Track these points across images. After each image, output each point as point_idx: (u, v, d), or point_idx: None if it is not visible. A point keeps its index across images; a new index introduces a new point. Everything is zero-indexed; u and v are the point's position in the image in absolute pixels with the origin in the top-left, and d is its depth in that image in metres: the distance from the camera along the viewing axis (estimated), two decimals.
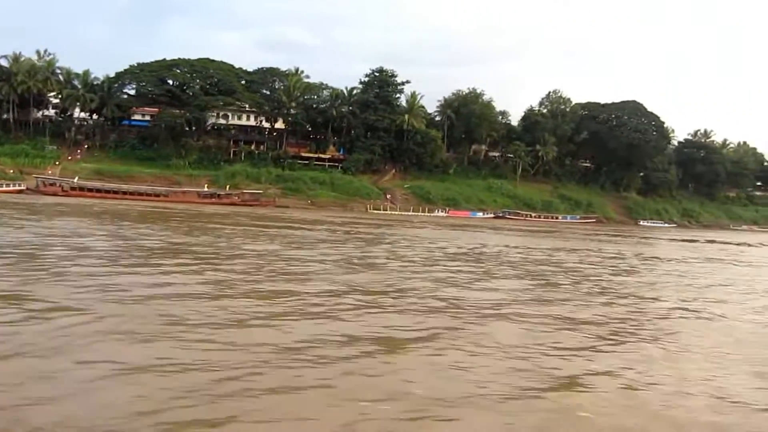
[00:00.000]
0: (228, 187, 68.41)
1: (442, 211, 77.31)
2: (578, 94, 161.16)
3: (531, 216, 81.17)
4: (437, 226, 47.36)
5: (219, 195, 64.04)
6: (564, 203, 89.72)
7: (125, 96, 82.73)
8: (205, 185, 67.06)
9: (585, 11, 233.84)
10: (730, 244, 46.15)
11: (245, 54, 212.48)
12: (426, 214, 75.00)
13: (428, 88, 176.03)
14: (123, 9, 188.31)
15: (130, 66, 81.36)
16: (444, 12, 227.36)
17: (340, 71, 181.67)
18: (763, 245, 46.95)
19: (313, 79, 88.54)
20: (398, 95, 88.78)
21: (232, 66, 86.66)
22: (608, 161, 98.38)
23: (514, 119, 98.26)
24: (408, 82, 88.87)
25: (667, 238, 52.11)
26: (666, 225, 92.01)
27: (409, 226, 43.99)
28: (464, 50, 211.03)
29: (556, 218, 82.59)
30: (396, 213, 73.54)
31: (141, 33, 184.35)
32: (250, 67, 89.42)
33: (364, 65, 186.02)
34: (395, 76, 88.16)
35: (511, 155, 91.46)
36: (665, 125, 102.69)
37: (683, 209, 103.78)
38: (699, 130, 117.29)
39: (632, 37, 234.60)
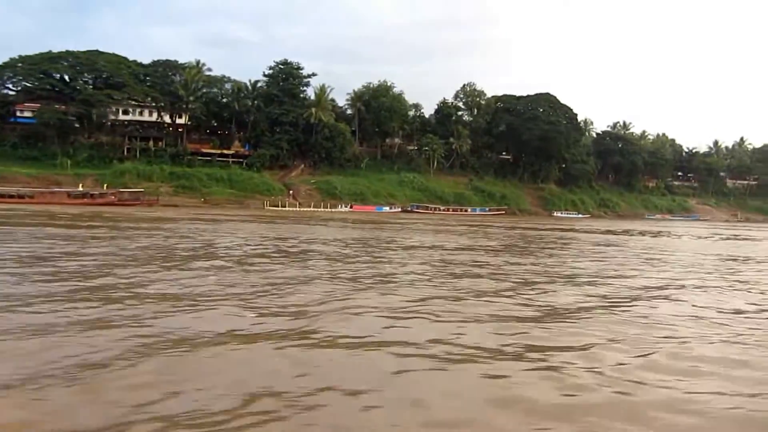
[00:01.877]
0: (106, 186, 64.00)
1: (345, 206, 74.56)
2: (509, 89, 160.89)
3: (440, 209, 79.14)
4: (303, 222, 44.33)
5: (92, 195, 59.49)
6: (478, 195, 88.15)
7: (5, 91, 77.08)
8: (80, 185, 62.51)
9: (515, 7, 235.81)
10: (615, 233, 44.61)
11: (184, 51, 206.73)
12: (328, 209, 72.16)
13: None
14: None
15: (10, 59, 75.74)
16: (385, 8, 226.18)
17: None
18: (641, 234, 45.67)
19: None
20: (304, 88, 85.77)
21: (125, 59, 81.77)
22: (525, 153, 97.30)
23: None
24: (314, 74, 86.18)
25: (548, 227, 50.37)
26: (580, 216, 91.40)
27: (251, 221, 40.82)
28: (405, 46, 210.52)
29: (466, 211, 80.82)
30: (295, 209, 70.50)
31: (69, 27, 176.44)
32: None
33: (310, 62, 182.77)
34: (301, 69, 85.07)
35: (426, 148, 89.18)
36: (579, 117, 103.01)
37: (601, 199, 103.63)
38: (618, 122, 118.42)
39: (561, 31, 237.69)
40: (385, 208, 76.00)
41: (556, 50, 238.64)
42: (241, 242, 22.06)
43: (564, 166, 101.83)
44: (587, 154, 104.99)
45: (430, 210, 77.94)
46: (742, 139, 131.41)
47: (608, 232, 44.93)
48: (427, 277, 13.83)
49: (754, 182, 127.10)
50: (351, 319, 8.92)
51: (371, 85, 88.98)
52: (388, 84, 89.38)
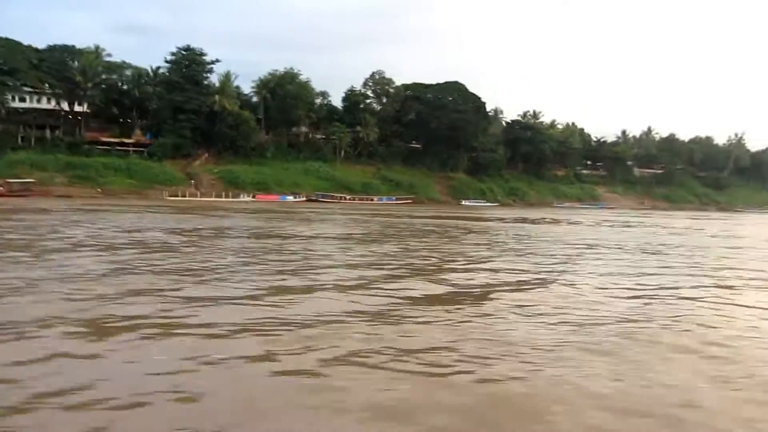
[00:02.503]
0: None
1: (248, 196, 73.86)
2: (429, 78, 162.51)
3: (345, 198, 79.34)
4: (188, 212, 43.69)
5: None
6: (385, 185, 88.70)
7: None
8: None
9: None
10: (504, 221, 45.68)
11: (98, 38, 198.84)
12: (229, 199, 71.37)
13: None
14: None
15: None
16: None
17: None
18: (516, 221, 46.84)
19: None
20: (208, 75, 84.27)
21: (19, 43, 78.44)
22: (434, 142, 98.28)
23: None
24: (218, 61, 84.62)
25: (430, 215, 51.24)
26: (488, 204, 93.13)
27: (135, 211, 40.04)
28: (328, 34, 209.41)
29: (372, 200, 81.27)
30: (196, 199, 69.46)
31: None
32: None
33: (230, 50, 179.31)
34: (204, 55, 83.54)
35: (333, 137, 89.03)
36: (490, 106, 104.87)
37: (510, 188, 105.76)
38: (528, 111, 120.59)
39: (479, 22, 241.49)
40: (289, 197, 75.64)
41: (473, 40, 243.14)
42: (86, 232, 21.72)
43: (474, 155, 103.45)
44: (497, 143, 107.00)
45: (336, 199, 78.00)
46: (649, 128, 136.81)
47: (499, 219, 46.05)
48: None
49: (660, 171, 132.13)
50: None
51: (277, 72, 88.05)
52: (295, 71, 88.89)
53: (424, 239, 23.57)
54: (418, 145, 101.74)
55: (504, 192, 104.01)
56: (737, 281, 14.07)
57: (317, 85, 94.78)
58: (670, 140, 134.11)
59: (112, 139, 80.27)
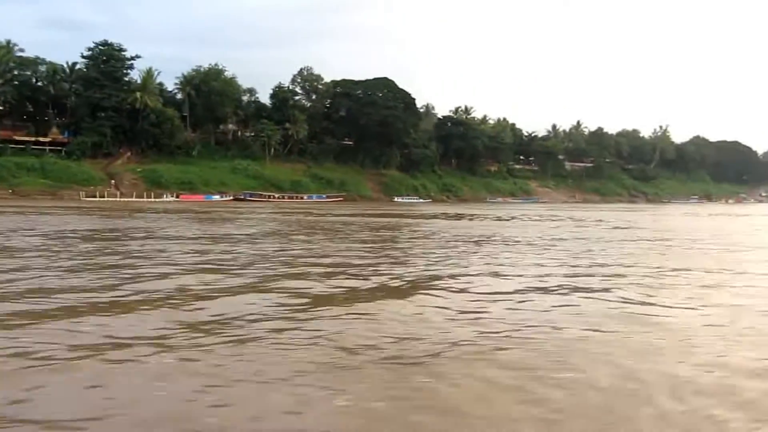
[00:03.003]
0: None
1: (171, 196, 71.65)
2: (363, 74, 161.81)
3: (274, 197, 77.88)
4: (97, 213, 41.57)
5: None
6: (315, 183, 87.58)
7: None
8: None
9: None
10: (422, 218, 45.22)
11: (27, 32, 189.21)
12: (152, 199, 69.06)
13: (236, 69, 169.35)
14: None
15: None
16: None
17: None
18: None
19: None
20: (128, 71, 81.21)
21: None
22: (366, 139, 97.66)
23: None
24: (138, 56, 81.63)
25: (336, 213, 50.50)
26: (421, 201, 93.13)
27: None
28: (264, 30, 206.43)
29: (301, 198, 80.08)
30: (115, 200, 66.93)
31: None
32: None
33: (169, 48, 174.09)
34: (123, 50, 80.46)
35: (261, 134, 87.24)
36: (419, 102, 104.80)
37: (443, 184, 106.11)
38: (460, 107, 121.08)
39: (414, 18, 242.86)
40: (215, 196, 73.71)
41: (405, 37, 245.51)
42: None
43: (406, 151, 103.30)
44: (429, 139, 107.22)
45: (264, 198, 76.48)
46: (578, 122, 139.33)
47: (421, 216, 45.53)
48: None
49: (590, 164, 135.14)
50: None
51: (202, 69, 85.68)
52: (220, 67, 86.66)
53: (311, 237, 22.74)
54: (350, 142, 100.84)
55: (437, 188, 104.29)
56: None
57: (249, 83, 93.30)
58: (599, 134, 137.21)
59: (27, 138, 76.53)
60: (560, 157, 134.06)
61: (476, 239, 22.77)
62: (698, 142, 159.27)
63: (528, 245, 20.35)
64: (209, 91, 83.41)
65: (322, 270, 12.79)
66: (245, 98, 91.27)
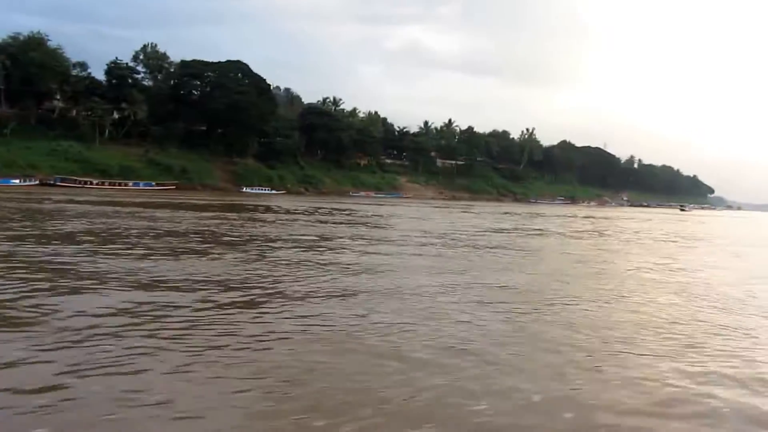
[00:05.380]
0: None
1: None
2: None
3: (92, 183, 69.41)
4: None
5: None
6: (152, 168, 79.72)
7: None
8: None
9: None
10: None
11: None
12: None
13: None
14: None
15: None
16: None
17: None
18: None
19: None
20: None
21: None
22: (218, 125, 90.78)
23: None
24: None
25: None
26: (273, 192, 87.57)
27: None
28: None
29: (126, 185, 72.18)
30: None
31: None
32: None
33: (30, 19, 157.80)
34: None
35: (90, 113, 78.44)
36: (291, 91, 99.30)
37: (304, 176, 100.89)
38: (328, 98, 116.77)
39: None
40: (14, 181, 64.33)
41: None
42: None
43: (267, 140, 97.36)
44: (291, 129, 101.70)
45: (80, 184, 67.90)
46: (450, 120, 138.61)
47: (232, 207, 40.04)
48: None
49: (461, 162, 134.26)
50: None
51: (20, 37, 75.75)
52: (42, 36, 76.94)
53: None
54: (202, 128, 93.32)
55: (297, 179, 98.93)
56: None
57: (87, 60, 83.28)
58: (469, 132, 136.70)
59: None
60: (432, 154, 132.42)
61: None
62: (565, 146, 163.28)
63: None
64: (28, 62, 73.69)
65: None
66: (75, 73, 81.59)
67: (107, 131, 79.81)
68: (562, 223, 43.79)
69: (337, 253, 16.43)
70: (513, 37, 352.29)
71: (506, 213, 59.14)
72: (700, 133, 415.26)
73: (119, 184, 71.70)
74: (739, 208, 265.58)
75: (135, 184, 73.12)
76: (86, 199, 41.05)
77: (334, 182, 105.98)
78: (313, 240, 19.94)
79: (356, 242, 19.97)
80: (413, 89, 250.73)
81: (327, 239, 20.47)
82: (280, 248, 16.91)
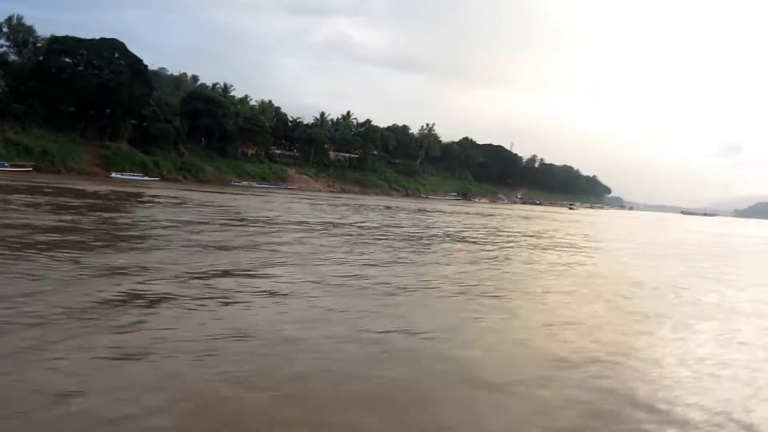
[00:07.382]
0: None
1: None
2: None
3: None
4: None
5: None
6: (8, 149, 75.29)
7: None
8: None
9: None
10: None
11: None
12: None
13: None
14: None
15: None
16: None
17: None
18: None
19: None
20: None
21: None
22: (88, 106, 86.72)
23: None
24: None
25: None
26: (146, 179, 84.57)
27: None
28: None
29: None
30: None
31: None
32: None
33: None
34: None
35: None
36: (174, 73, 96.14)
37: (183, 163, 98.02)
38: (218, 84, 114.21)
39: None
40: None
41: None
42: None
43: (145, 124, 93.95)
44: (173, 114, 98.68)
45: None
46: (348, 113, 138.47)
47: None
48: None
49: (355, 155, 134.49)
50: None
51: None
52: None
53: None
54: (71, 108, 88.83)
55: (175, 167, 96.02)
56: None
57: None
58: (367, 126, 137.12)
59: None
60: (326, 146, 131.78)
61: None
62: (465, 143, 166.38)
63: None
64: None
65: None
66: None
67: None
68: (406, 217, 44.28)
69: None
70: (440, 34, 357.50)
71: (362, 205, 59.14)
72: (607, 135, 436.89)
73: None
74: (631, 208, 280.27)
75: None
76: None
77: (216, 171, 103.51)
78: None
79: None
80: (337, 83, 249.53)
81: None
82: None
